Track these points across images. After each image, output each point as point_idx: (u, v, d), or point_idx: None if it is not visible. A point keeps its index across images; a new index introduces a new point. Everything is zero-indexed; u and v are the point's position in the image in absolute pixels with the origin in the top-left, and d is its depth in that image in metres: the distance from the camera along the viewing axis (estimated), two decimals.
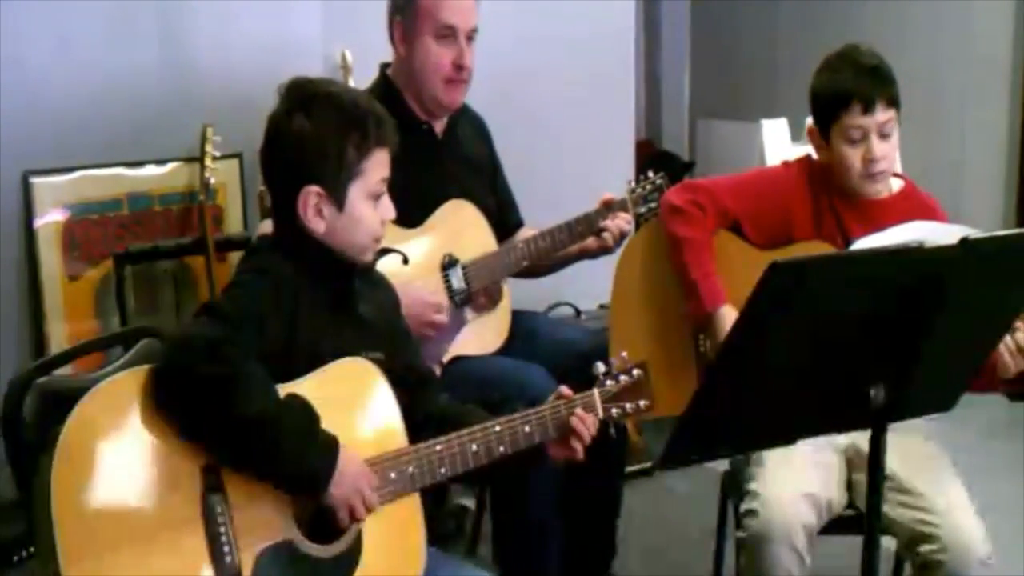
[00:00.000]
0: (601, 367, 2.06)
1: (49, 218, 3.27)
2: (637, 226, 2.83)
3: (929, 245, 1.70)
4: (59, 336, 3.28)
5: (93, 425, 1.72)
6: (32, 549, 2.49)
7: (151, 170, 3.42)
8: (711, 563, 2.75)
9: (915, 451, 2.38)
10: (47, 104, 3.25)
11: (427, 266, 2.75)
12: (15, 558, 2.55)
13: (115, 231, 3.37)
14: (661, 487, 3.73)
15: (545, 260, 2.88)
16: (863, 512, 1.98)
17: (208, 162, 3.38)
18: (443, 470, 1.93)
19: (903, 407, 1.83)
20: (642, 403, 2.07)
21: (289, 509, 1.83)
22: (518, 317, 2.92)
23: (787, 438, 1.96)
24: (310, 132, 1.91)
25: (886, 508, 2.04)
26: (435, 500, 3.07)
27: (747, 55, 6.43)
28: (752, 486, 2.32)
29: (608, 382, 2.05)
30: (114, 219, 3.37)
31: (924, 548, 2.23)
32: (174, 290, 3.47)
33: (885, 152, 2.45)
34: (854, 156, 2.45)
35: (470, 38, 2.82)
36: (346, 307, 2.01)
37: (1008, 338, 2.19)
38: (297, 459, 1.79)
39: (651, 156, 5.95)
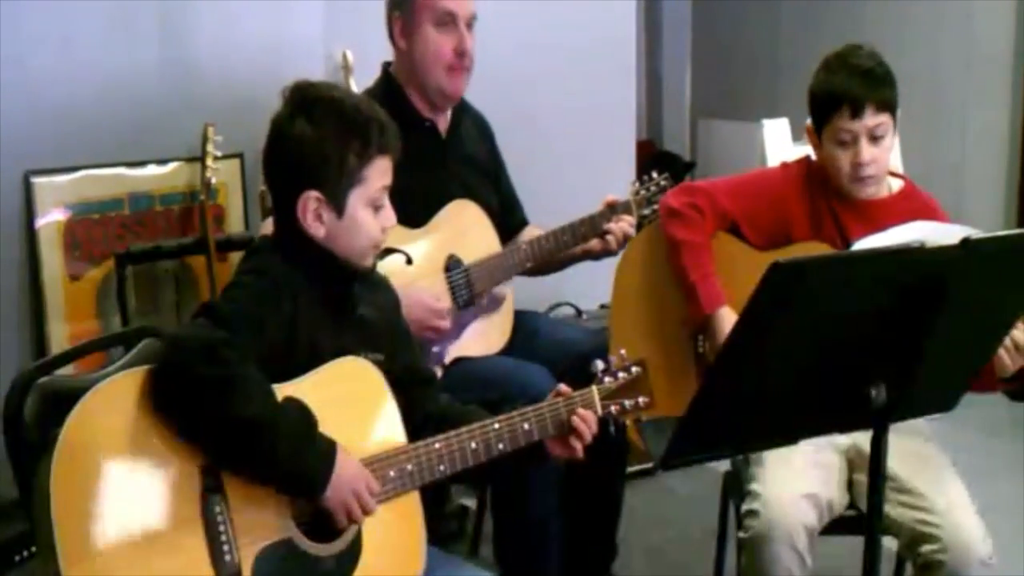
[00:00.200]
0: (600, 364, 2.05)
1: (50, 218, 3.27)
2: (640, 227, 2.83)
3: (930, 245, 1.70)
4: (60, 336, 3.28)
5: (93, 425, 1.72)
6: (33, 549, 2.50)
7: (152, 170, 3.42)
8: (712, 563, 2.75)
9: (916, 451, 2.38)
10: (48, 104, 3.25)
11: (431, 267, 2.74)
12: (15, 558, 2.56)
13: (116, 231, 3.37)
14: (662, 487, 3.72)
15: (548, 261, 2.88)
16: (864, 512, 1.98)
17: (209, 162, 3.38)
18: (442, 467, 1.92)
19: (904, 407, 1.83)
20: (641, 400, 2.06)
21: (288, 509, 1.83)
22: (519, 317, 2.93)
23: (788, 438, 1.96)
24: (311, 137, 1.90)
25: (887, 508, 2.04)
26: (436, 500, 3.06)
27: (748, 55, 6.43)
28: (753, 486, 2.31)
29: (607, 379, 2.05)
30: (115, 219, 3.37)
31: (925, 548, 2.22)
32: (175, 290, 3.47)
33: (874, 156, 2.44)
34: (843, 159, 2.45)
35: (469, 25, 2.81)
36: (345, 309, 2.01)
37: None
38: (293, 462, 1.78)
39: (652, 156, 5.94)
